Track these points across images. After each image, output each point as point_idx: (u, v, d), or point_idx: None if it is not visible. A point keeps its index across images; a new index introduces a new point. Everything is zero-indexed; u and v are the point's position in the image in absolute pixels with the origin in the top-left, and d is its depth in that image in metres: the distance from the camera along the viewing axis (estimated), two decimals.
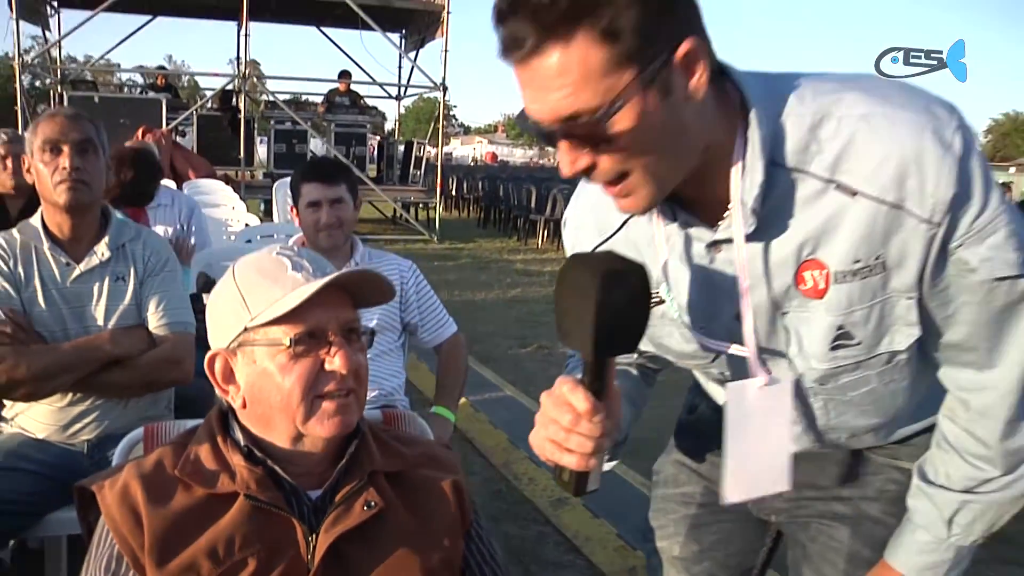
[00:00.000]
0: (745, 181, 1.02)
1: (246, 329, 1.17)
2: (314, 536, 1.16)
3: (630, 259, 0.96)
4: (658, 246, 1.14)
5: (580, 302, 0.93)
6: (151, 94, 13.81)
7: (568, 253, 1.27)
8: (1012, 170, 40.30)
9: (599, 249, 1.19)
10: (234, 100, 13.43)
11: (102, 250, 2.13)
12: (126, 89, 18.56)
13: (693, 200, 1.08)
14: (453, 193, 18.95)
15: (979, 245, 1.01)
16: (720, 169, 1.03)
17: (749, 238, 1.06)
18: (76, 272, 2.10)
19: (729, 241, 1.08)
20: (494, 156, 59.56)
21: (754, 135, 1.00)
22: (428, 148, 15.45)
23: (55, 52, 15.69)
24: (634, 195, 1.00)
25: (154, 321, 2.14)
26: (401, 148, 15.81)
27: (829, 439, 1.27)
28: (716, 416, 1.43)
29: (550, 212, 13.09)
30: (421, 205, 14.82)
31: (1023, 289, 1.04)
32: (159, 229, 4.33)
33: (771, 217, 1.04)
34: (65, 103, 12.02)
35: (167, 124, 11.81)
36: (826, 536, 1.35)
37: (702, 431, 1.47)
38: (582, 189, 1.26)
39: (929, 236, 1.00)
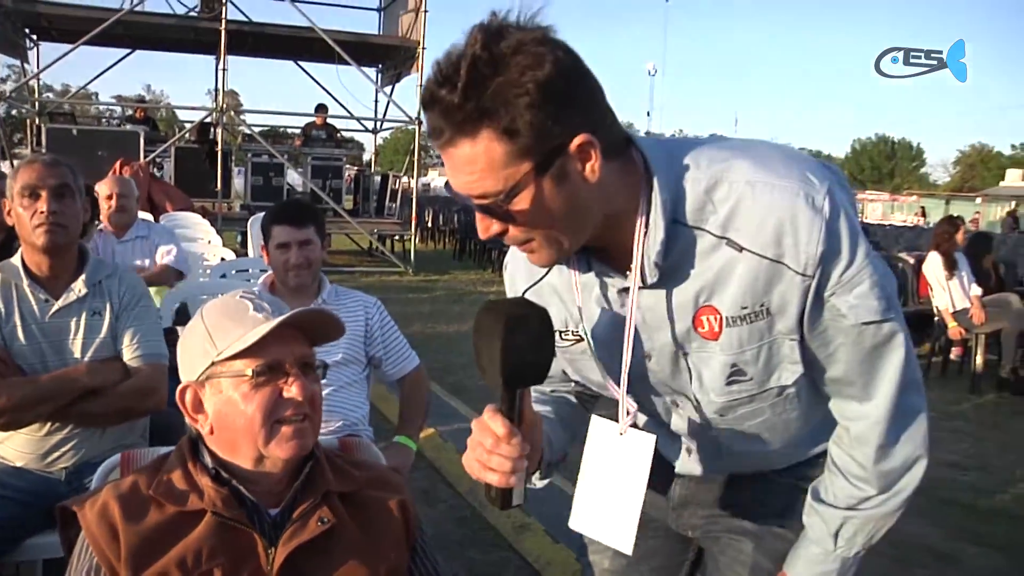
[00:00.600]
0: (649, 238, 1.18)
1: (213, 363, 1.33)
2: (273, 549, 1.30)
3: (534, 304, 1.14)
4: (575, 292, 1.30)
5: (489, 343, 1.10)
6: (129, 126, 13.90)
7: (507, 292, 1.43)
8: (979, 200, 41.01)
9: (529, 291, 1.35)
10: (212, 133, 13.52)
11: (79, 287, 2.26)
12: (103, 121, 18.59)
13: (607, 251, 1.24)
14: (429, 225, 18.98)
15: (847, 294, 1.17)
16: (628, 226, 1.19)
17: (654, 286, 1.21)
18: (55, 308, 2.23)
19: (638, 288, 1.23)
20: None
21: (656, 198, 1.16)
22: (404, 180, 15.58)
23: (33, 83, 15.78)
24: (538, 254, 1.18)
25: (129, 353, 2.26)
26: (377, 180, 15.95)
27: (732, 464, 1.42)
28: (649, 428, 1.58)
29: None
30: (397, 237, 14.96)
31: (887, 332, 1.20)
32: (136, 263, 4.47)
33: (674, 268, 1.20)
34: (43, 135, 12.11)
35: (145, 156, 11.90)
36: (733, 549, 1.50)
37: None
38: None
39: (804, 287, 1.16)
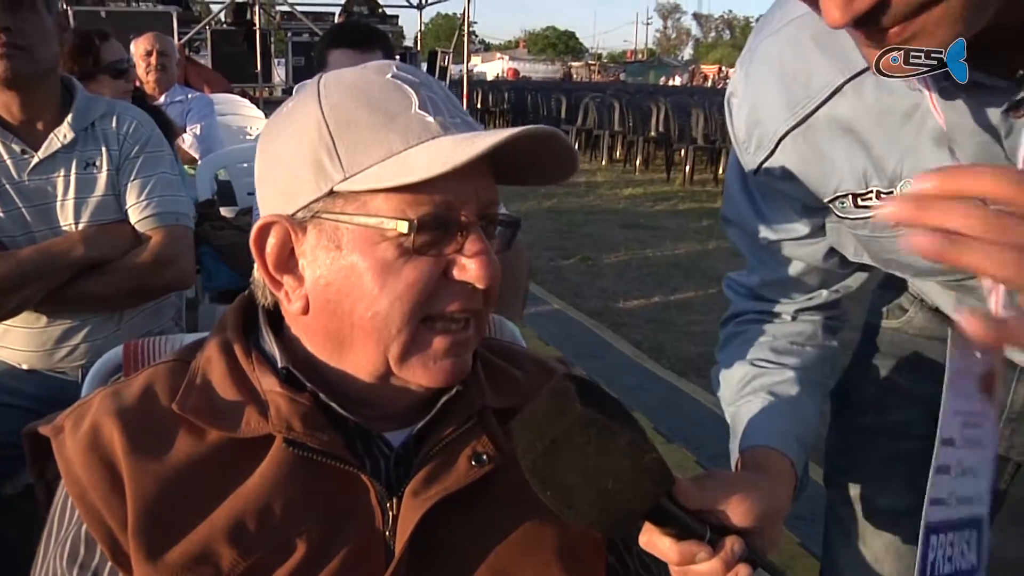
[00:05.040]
0: None
1: (332, 193, 0.72)
2: (394, 501, 0.74)
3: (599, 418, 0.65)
4: (935, 115, 0.75)
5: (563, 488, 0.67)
6: (160, 7, 13.30)
7: (738, 142, 0.91)
8: None
9: (792, 133, 0.87)
10: (249, 13, 12.89)
11: (64, 132, 1.69)
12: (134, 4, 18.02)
13: (988, 47, 0.68)
14: (478, 106, 18.39)
15: None
16: None
17: None
18: (35, 161, 1.68)
19: None
20: (516, 72, 58.25)
21: None
22: (451, 63, 14.89)
23: None
24: (927, 37, 0.64)
25: (137, 214, 1.72)
26: (423, 62, 15.23)
27: None
28: (934, 323, 1.00)
29: (581, 122, 12.86)
30: None
31: None
32: None
33: None
34: (70, 19, 11.49)
35: (179, 39, 11.35)
36: None
37: (909, 343, 1.09)
38: (755, 54, 0.90)
39: None
